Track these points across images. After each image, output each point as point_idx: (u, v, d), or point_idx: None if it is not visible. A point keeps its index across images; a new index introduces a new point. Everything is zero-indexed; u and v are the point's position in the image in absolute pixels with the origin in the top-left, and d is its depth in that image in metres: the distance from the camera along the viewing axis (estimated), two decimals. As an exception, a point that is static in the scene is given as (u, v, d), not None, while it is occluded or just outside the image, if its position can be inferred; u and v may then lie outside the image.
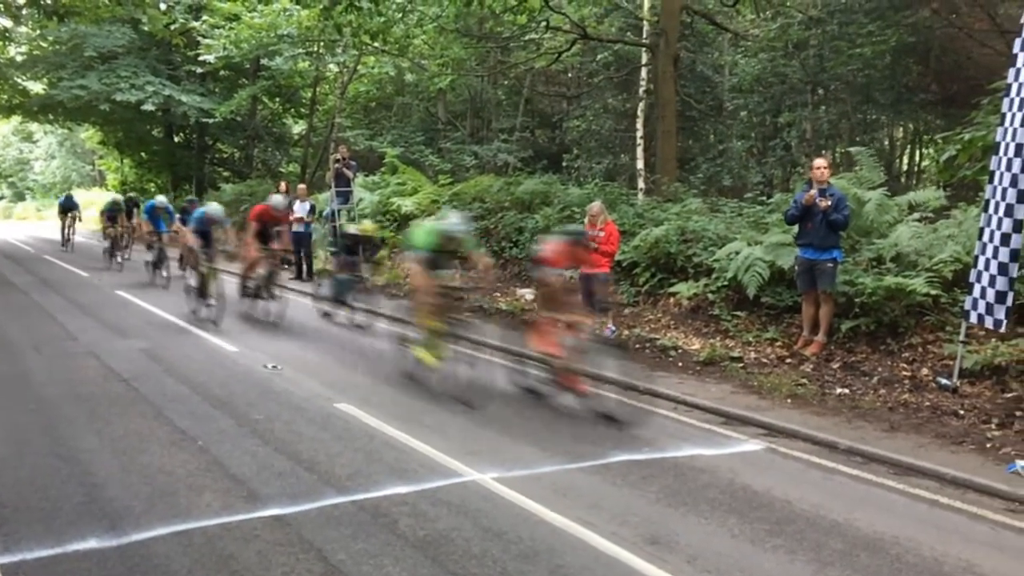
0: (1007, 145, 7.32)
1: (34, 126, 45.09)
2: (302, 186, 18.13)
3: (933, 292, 8.58)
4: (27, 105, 30.38)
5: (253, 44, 20.70)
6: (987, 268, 7.46)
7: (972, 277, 7.69)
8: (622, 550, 4.59)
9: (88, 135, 37.78)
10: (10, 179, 57.04)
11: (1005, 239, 7.23)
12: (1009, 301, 7.29)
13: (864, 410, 7.56)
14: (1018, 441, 6.63)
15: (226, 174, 33.28)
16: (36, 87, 30.57)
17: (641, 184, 16.63)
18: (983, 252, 7.55)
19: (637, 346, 10.27)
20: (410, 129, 25.16)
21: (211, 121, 27.03)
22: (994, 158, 7.56)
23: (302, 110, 31.23)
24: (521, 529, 4.85)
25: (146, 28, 25.90)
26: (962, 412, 7.33)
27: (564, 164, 22.11)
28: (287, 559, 4.37)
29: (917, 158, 19.74)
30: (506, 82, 25.44)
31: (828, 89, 18.04)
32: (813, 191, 9.01)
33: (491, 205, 16.09)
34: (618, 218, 12.30)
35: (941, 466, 6.10)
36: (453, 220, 8.62)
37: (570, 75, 24.98)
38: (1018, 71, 7.32)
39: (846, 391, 8.13)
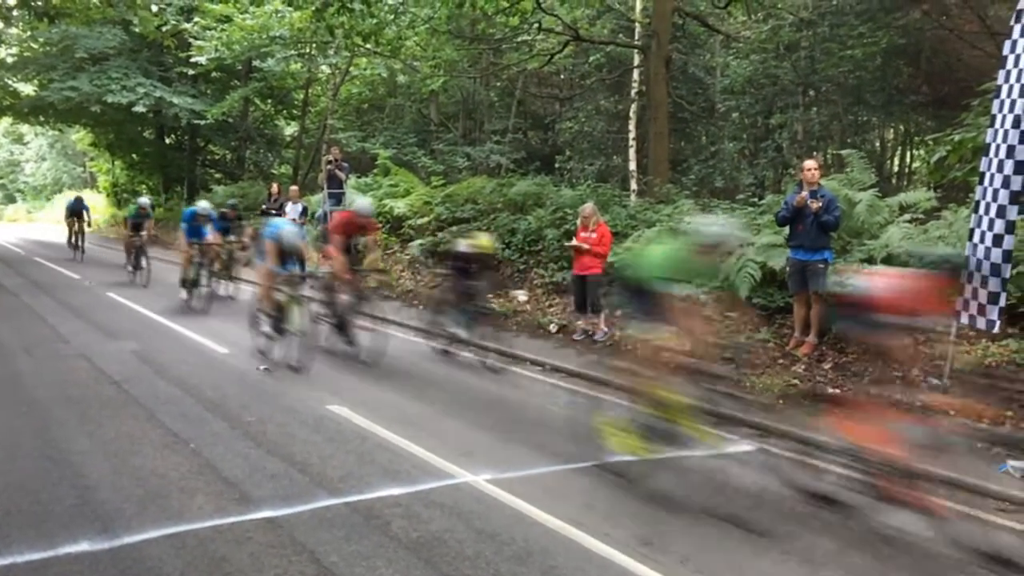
0: (997, 146, 7.35)
1: (25, 128, 44.95)
2: (294, 188, 18.13)
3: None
4: (18, 107, 30.24)
5: (245, 46, 20.67)
6: (979, 269, 7.48)
7: (962, 278, 7.71)
8: (615, 551, 4.60)
9: (79, 137, 37.66)
10: (1, 181, 56.80)
11: (998, 240, 7.26)
12: (1002, 302, 7.32)
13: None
14: (1008, 441, 6.65)
15: (218, 176, 33.19)
16: (27, 88, 30.45)
17: (633, 185, 16.65)
18: (974, 253, 7.58)
19: (629, 347, 10.26)
20: (402, 131, 25.14)
21: (203, 123, 26.96)
22: (984, 159, 7.59)
23: (294, 112, 31.19)
24: (514, 530, 4.85)
25: (137, 30, 25.85)
26: (953, 412, 7.34)
27: (557, 165, 22.12)
28: (280, 561, 4.36)
29: (908, 159, 19.83)
30: (498, 84, 25.44)
31: (819, 91, 18.09)
32: (804, 193, 9.03)
33: (484, 207, 16.08)
34: (610, 220, 12.31)
35: (931, 466, 6.12)
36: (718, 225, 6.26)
37: (562, 77, 25.00)
38: (1008, 73, 7.35)
39: (837, 391, 8.15)
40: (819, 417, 6.06)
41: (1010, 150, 7.16)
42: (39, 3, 25.19)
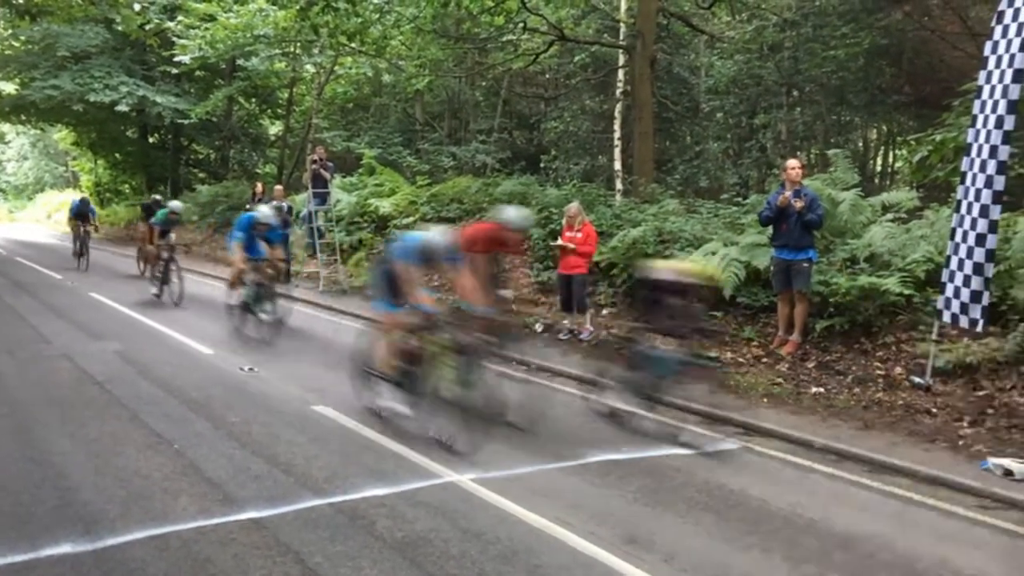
0: (979, 147, 7.42)
1: (6, 127, 44.48)
2: (279, 187, 18.04)
3: (906, 292, 8.68)
4: (-1, 105, 30.00)
5: (229, 45, 20.54)
6: (961, 268, 7.55)
7: (945, 277, 7.78)
8: (600, 550, 4.61)
9: (61, 136, 37.35)
10: (-19, 180, 56.29)
11: (980, 239, 7.32)
12: (985, 300, 7.38)
13: (839, 409, 7.64)
14: (989, 439, 6.73)
15: (202, 175, 33.01)
16: (8, 87, 30.19)
17: (618, 185, 16.68)
18: (956, 252, 7.64)
19: (615, 347, 10.29)
20: (388, 130, 25.09)
21: (186, 122, 26.80)
22: (965, 159, 7.66)
23: (279, 111, 31.06)
24: (499, 530, 4.85)
25: (120, 28, 25.68)
26: (935, 410, 7.42)
27: (542, 165, 22.14)
28: (264, 562, 4.35)
29: (890, 159, 19.96)
30: (484, 83, 25.44)
31: (803, 91, 18.19)
32: (787, 192, 9.08)
33: (469, 206, 16.08)
34: (596, 219, 12.33)
35: (914, 464, 6.18)
36: None
37: (548, 76, 25.01)
38: (989, 74, 7.42)
39: (821, 390, 8.20)
40: None
41: (993, 150, 7.23)
42: (20, 1, 25.00)
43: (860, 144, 20.03)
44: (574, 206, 11.00)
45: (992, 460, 6.14)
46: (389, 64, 21.94)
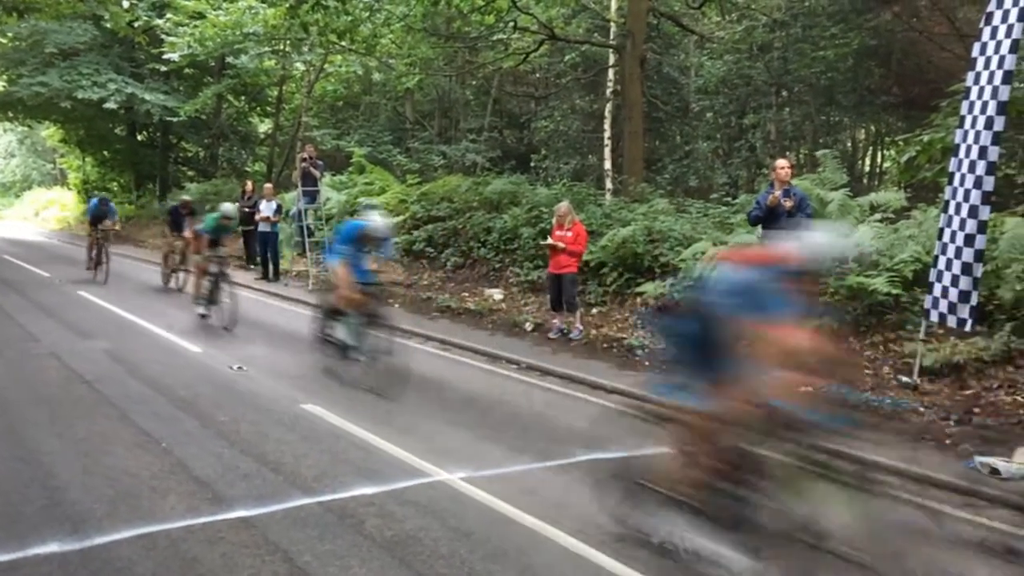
0: (968, 147, 7.45)
1: (-7, 124, 44.25)
2: (268, 185, 17.98)
3: (894, 291, 8.72)
4: (-14, 102, 29.79)
5: (218, 42, 20.47)
6: (949, 268, 7.58)
7: (932, 277, 7.82)
8: (590, 548, 4.62)
9: (49, 133, 37.13)
10: (-32, 178, 55.91)
11: (969, 240, 7.35)
12: (973, 300, 7.41)
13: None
14: (976, 438, 6.76)
15: (191, 173, 32.88)
16: (-5, 84, 30.00)
17: (608, 184, 16.71)
18: (944, 252, 7.68)
19: (605, 346, 10.32)
20: (377, 128, 25.05)
21: (175, 120, 26.70)
22: (953, 159, 7.70)
23: (268, 109, 30.97)
24: (489, 529, 4.86)
25: (108, 25, 25.53)
26: (922, 409, 7.46)
27: (532, 164, 22.16)
28: (252, 561, 4.34)
29: (879, 159, 20.06)
30: (474, 82, 25.43)
31: (792, 91, 18.27)
32: (777, 192, 9.11)
33: (459, 205, 16.08)
34: (586, 218, 12.35)
35: (902, 462, 6.21)
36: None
37: (538, 76, 25.02)
38: (978, 75, 7.46)
39: (809, 389, 8.21)
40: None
41: (982, 151, 7.26)
42: (8, -3, 24.85)
43: (849, 144, 20.14)
44: (564, 205, 11.01)
45: (979, 459, 6.18)
46: (379, 62, 21.91)
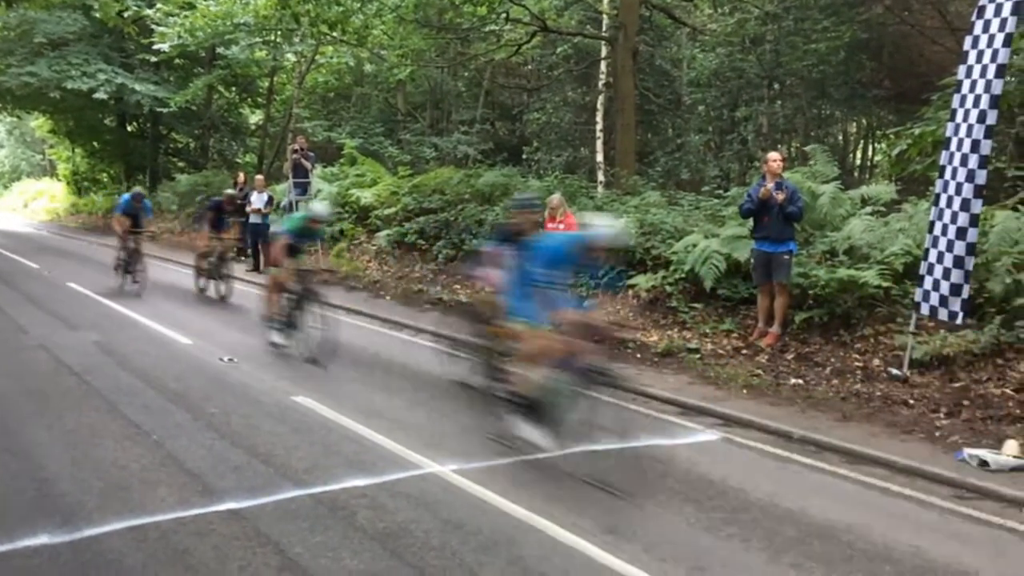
0: (960, 140, 7.47)
1: (-19, 114, 43.93)
2: (259, 177, 17.90)
3: (884, 284, 8.75)
4: (-26, 92, 29.53)
5: (208, 33, 20.36)
6: (940, 261, 7.60)
7: (923, 270, 7.85)
8: (580, 540, 4.62)
9: (38, 123, 36.87)
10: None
11: (961, 233, 7.37)
12: (965, 294, 7.44)
13: (817, 400, 7.69)
14: (965, 430, 6.80)
15: (181, 164, 32.68)
16: (-17, 74, 29.73)
17: (600, 177, 16.71)
18: (934, 245, 7.70)
19: (596, 338, 10.30)
20: (369, 120, 24.95)
21: (165, 110, 26.53)
22: (944, 153, 7.71)
23: (259, 100, 30.81)
24: (480, 520, 4.86)
25: (98, 15, 25.35)
26: (912, 402, 7.49)
27: (524, 156, 22.12)
28: (243, 553, 4.33)
29: (870, 153, 20.12)
30: (466, 74, 25.36)
31: (784, 84, 18.29)
32: (769, 185, 9.12)
33: (451, 197, 16.04)
34: (578, 211, 12.33)
35: (892, 454, 6.24)
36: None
37: (530, 67, 24.99)
38: (969, 68, 7.47)
39: (800, 381, 8.26)
40: None
41: (975, 144, 7.28)
42: (-4, -14, 24.62)
43: (840, 137, 20.19)
44: (556, 197, 11.00)
45: (968, 451, 6.21)
46: (371, 54, 21.83)
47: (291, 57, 24.83)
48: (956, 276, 7.43)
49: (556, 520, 4.87)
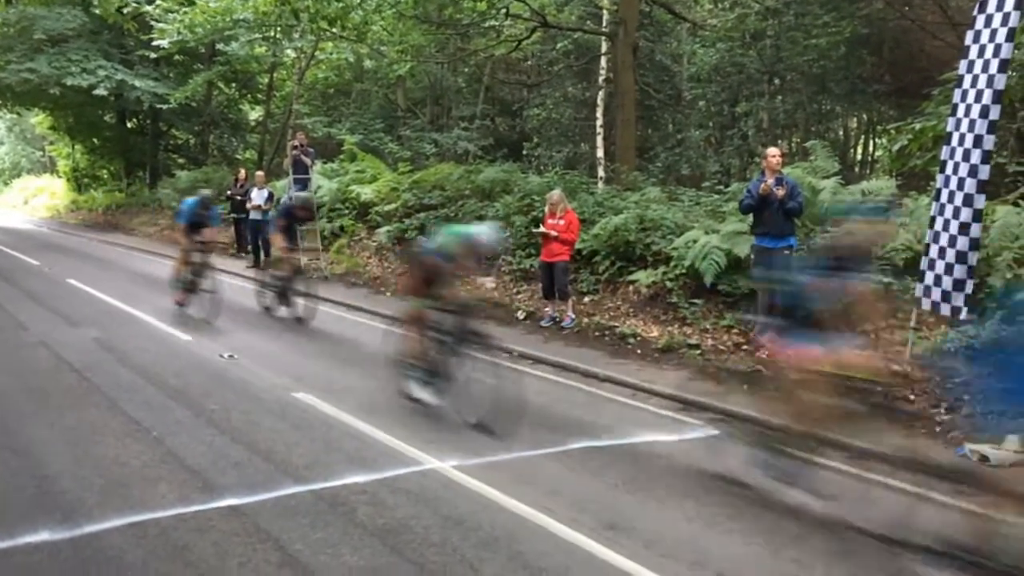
0: (961, 135, 7.45)
1: (-19, 111, 43.85)
2: (260, 173, 17.90)
3: (885, 280, 8.73)
4: (-27, 89, 29.48)
5: (208, 29, 20.29)
6: (942, 256, 7.58)
7: (923, 265, 7.83)
8: (581, 535, 4.62)
9: (38, 120, 36.81)
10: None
11: (964, 228, 7.35)
12: (968, 289, 7.42)
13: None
14: (966, 425, 6.79)
15: (181, 161, 32.63)
16: (-17, 71, 29.68)
17: (601, 173, 16.67)
18: (935, 240, 7.69)
19: (596, 334, 10.32)
20: (369, 116, 24.91)
21: (165, 107, 26.47)
22: (945, 148, 7.70)
23: (259, 96, 30.75)
24: (481, 516, 4.86)
25: (97, 11, 25.31)
26: (913, 397, 7.49)
27: (524, 152, 22.10)
28: (243, 549, 4.33)
29: (870, 148, 20.08)
30: (466, 69, 25.32)
31: (784, 79, 18.25)
32: (769, 181, 9.09)
33: (451, 193, 16.02)
34: (578, 207, 12.32)
35: (892, 449, 6.23)
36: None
37: (530, 63, 24.94)
38: (971, 63, 7.45)
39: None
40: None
41: (978, 139, 7.26)
42: (-5, -17, 24.62)
43: (840, 133, 20.15)
44: (556, 193, 10.99)
45: (968, 446, 6.21)
46: (370, 49, 21.78)
47: (291, 53, 24.73)
48: (959, 271, 7.41)
49: (556, 516, 4.87)
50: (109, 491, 5.05)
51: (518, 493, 5.20)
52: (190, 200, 11.94)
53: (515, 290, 12.81)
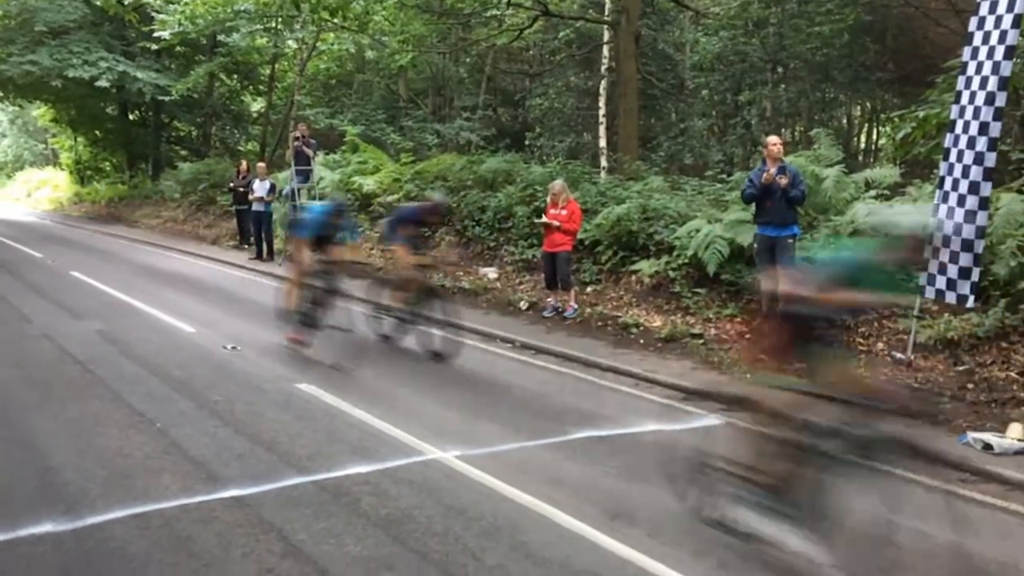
0: (966, 123, 7.40)
1: (-16, 104, 43.82)
2: (261, 165, 17.88)
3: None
4: (-25, 82, 29.46)
5: (209, 20, 20.29)
6: (945, 244, 7.54)
7: (927, 253, 7.79)
8: (584, 525, 4.62)
9: (40, 113, 36.81)
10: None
11: (970, 216, 7.31)
12: (974, 276, 7.39)
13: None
14: (970, 413, 6.78)
15: (183, 153, 32.62)
16: (-15, 63, 29.65)
17: (603, 162, 16.63)
18: (939, 228, 7.65)
19: (599, 324, 10.31)
20: (371, 107, 24.87)
21: (167, 99, 26.45)
22: (949, 135, 7.66)
23: (260, 87, 30.71)
24: (483, 506, 4.86)
25: (98, 3, 25.27)
26: (916, 385, 7.48)
27: (527, 142, 22.04)
28: (247, 540, 4.34)
29: (874, 136, 20.01)
30: (468, 60, 25.24)
31: (787, 67, 18.17)
32: (772, 170, 9.06)
33: (454, 184, 15.99)
34: (580, 196, 12.30)
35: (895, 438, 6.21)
36: None
37: (532, 53, 24.86)
38: (975, 50, 7.40)
39: (804, 365, 8.21)
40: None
41: (983, 127, 7.21)
42: (-4, -25, 24.56)
43: (844, 121, 20.08)
44: (558, 183, 10.97)
45: (972, 434, 6.20)
46: (372, 40, 21.75)
47: (292, 44, 24.73)
48: (965, 259, 7.38)
49: (559, 505, 4.87)
50: (112, 482, 5.07)
51: (521, 483, 5.20)
52: (318, 206, 9.60)
53: (517, 280, 12.81)
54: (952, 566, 4.31)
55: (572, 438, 6.18)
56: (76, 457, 5.50)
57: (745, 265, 10.14)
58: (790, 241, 9.04)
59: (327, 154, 20.55)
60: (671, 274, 10.69)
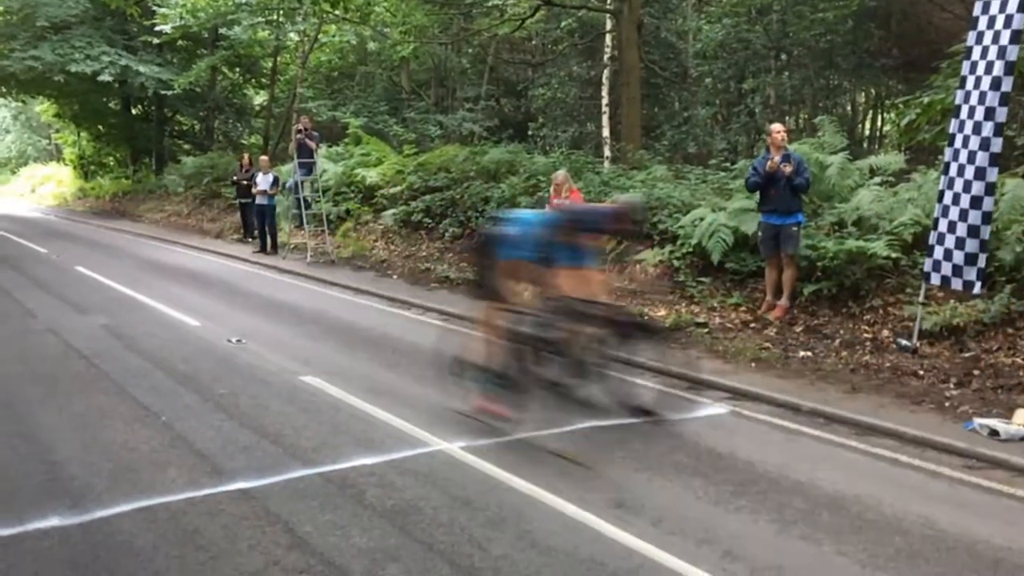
0: (971, 108, 7.36)
1: (-13, 99, 43.81)
2: (264, 158, 17.90)
3: (893, 255, 8.68)
4: (-22, 78, 29.47)
5: (210, 13, 20.26)
6: (952, 230, 7.51)
7: (933, 239, 7.77)
8: (589, 514, 4.62)
9: (43, 108, 36.84)
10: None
11: (976, 202, 7.28)
12: (981, 263, 7.36)
13: (826, 372, 7.66)
14: (975, 400, 6.77)
15: (186, 147, 32.69)
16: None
17: (607, 152, 16.62)
18: (944, 215, 7.62)
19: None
20: (373, 99, 24.86)
21: (170, 93, 26.46)
22: (953, 121, 7.61)
23: (263, 80, 30.71)
24: (489, 497, 4.86)
25: (99, -3, 25.25)
26: (921, 372, 7.46)
27: (530, 133, 22.03)
28: (253, 532, 4.35)
29: (878, 123, 19.94)
30: (470, 50, 25.21)
31: (791, 55, 18.12)
32: (776, 158, 9.04)
33: (457, 175, 15.98)
34: (584, 186, 12.28)
35: (901, 425, 6.21)
36: None
37: (534, 42, 24.81)
38: (980, 34, 7.35)
39: (809, 354, 8.23)
40: None
41: (989, 112, 7.17)
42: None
43: (848, 108, 20.01)
44: (561, 173, 10.94)
45: (978, 420, 6.18)
46: (373, 31, 21.70)
47: (294, 36, 24.68)
48: (971, 245, 7.35)
49: (564, 495, 4.87)
50: (118, 476, 5.08)
51: (525, 473, 5.20)
52: (529, 214, 6.84)
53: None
54: (959, 553, 4.29)
55: (576, 428, 6.17)
56: (82, 451, 5.52)
57: (749, 253, 10.12)
58: (794, 229, 9.02)
59: (330, 147, 20.55)
60: (675, 263, 10.67)
